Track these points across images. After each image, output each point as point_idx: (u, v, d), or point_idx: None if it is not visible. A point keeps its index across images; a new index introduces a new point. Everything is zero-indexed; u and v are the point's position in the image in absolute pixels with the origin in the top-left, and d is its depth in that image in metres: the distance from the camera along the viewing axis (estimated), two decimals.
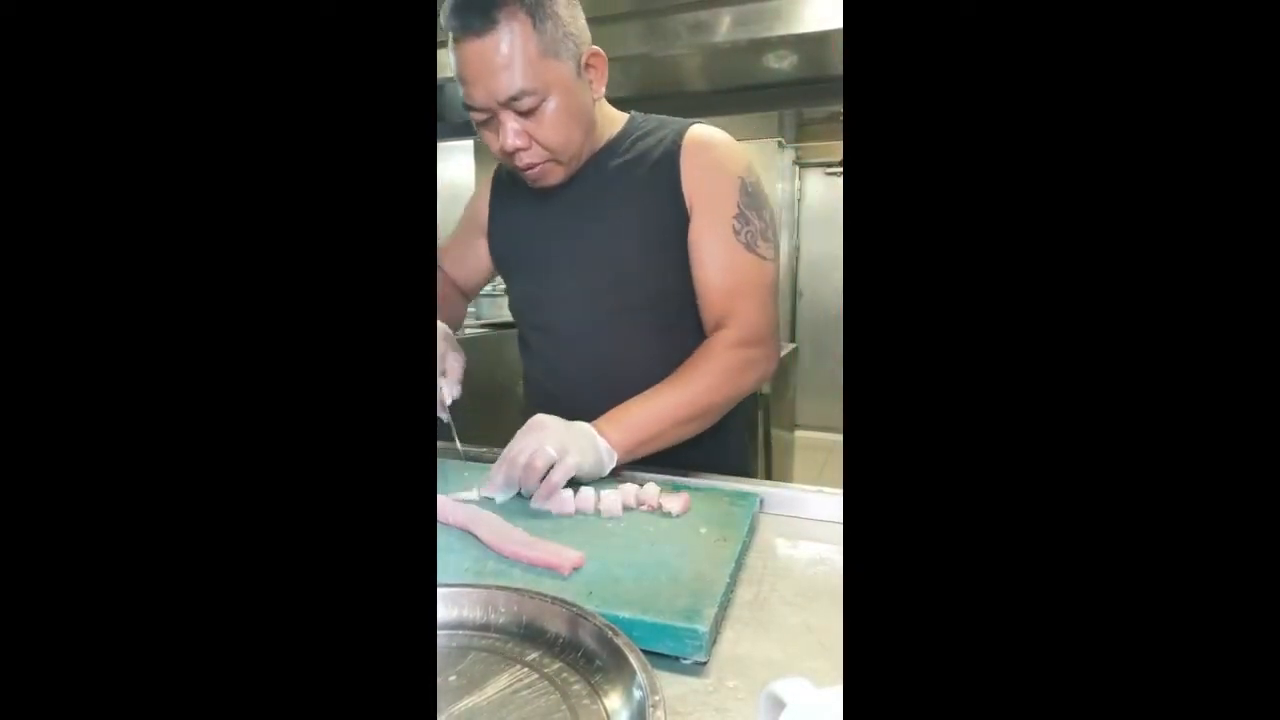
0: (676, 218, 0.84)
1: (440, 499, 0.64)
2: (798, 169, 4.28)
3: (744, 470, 0.93)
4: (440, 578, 0.51)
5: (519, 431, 0.71)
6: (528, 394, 1.00)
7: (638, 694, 0.37)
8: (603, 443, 0.72)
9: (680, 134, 0.86)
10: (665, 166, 0.84)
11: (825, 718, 0.31)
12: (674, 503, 0.65)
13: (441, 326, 0.87)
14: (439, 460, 0.81)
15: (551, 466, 0.67)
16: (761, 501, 0.70)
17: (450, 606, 0.47)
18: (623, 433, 0.74)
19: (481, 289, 1.09)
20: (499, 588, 0.48)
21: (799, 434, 3.17)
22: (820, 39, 2.11)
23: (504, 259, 0.98)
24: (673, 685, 0.43)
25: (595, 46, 0.81)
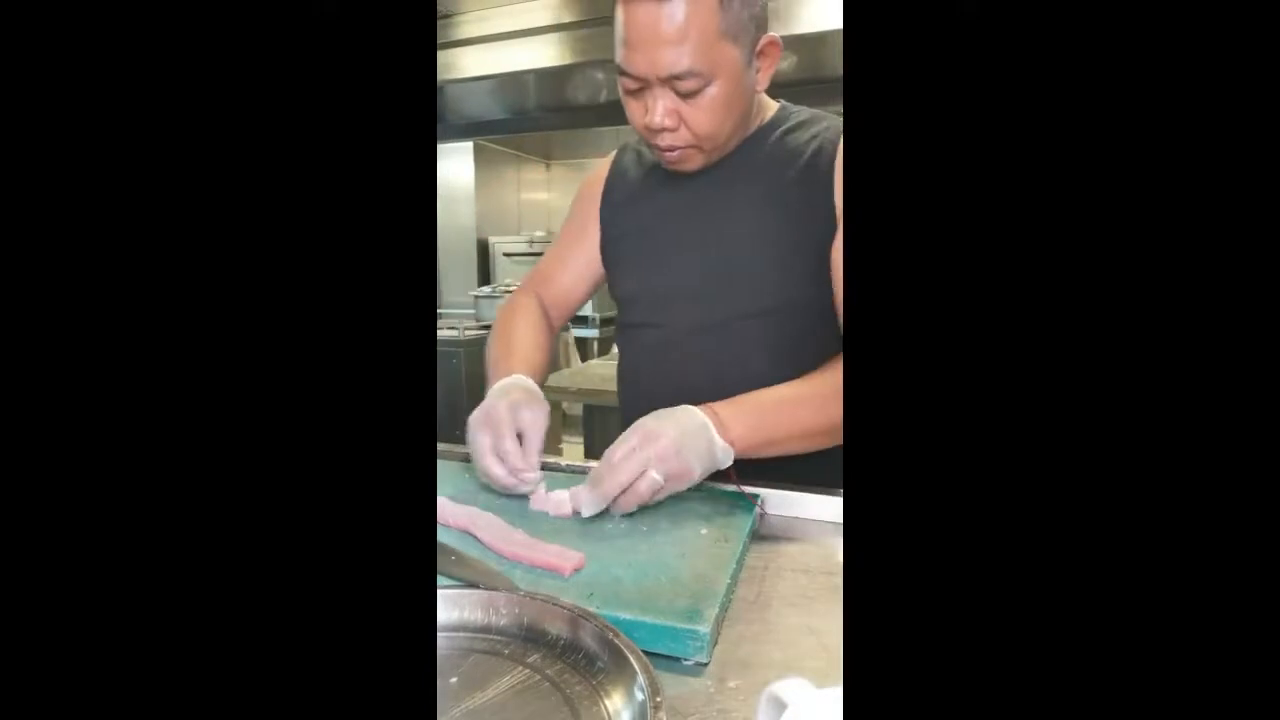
0: (821, 226, 0.76)
1: (440, 500, 0.64)
2: None
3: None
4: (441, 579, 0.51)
5: (624, 435, 0.63)
6: (624, 395, 0.91)
7: (639, 695, 0.37)
8: (720, 442, 0.64)
9: (836, 136, 0.79)
10: (818, 170, 0.77)
11: (826, 718, 0.31)
12: (526, 480, 0.66)
13: (521, 381, 0.74)
14: (439, 461, 0.81)
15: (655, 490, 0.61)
16: (762, 502, 0.70)
17: (451, 608, 0.47)
18: (746, 430, 0.66)
19: (580, 306, 0.96)
20: (500, 589, 0.48)
21: None
22: (819, 39, 2.11)
23: (618, 244, 0.88)
24: (674, 686, 0.43)
25: (773, 34, 0.74)
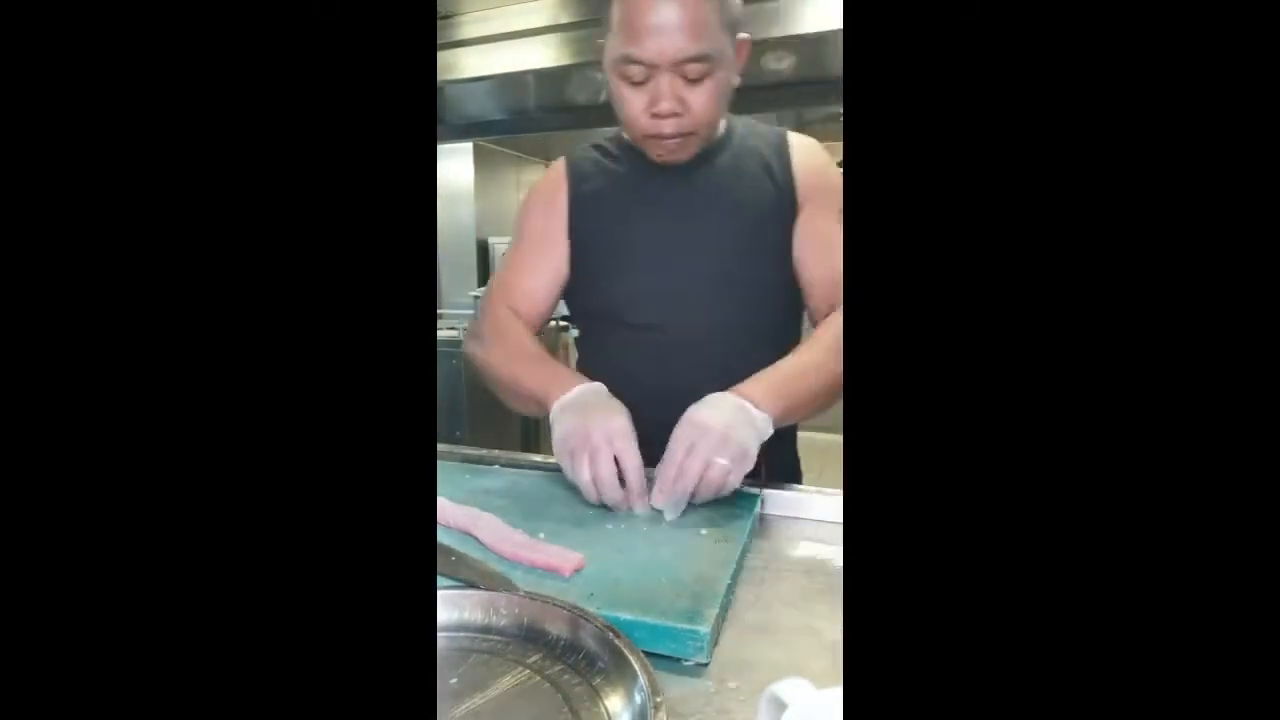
0: (786, 216, 0.84)
1: (440, 501, 0.64)
2: None
3: (796, 479, 0.91)
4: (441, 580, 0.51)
5: (677, 433, 0.65)
6: (630, 396, 0.91)
7: (639, 696, 0.37)
8: (759, 416, 0.67)
9: (781, 137, 0.87)
10: (777, 166, 0.85)
11: (826, 718, 0.31)
12: (640, 504, 0.65)
13: (598, 387, 0.73)
14: (439, 461, 0.81)
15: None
16: (762, 502, 0.70)
17: (451, 609, 0.47)
18: (777, 400, 0.69)
19: (548, 317, 0.94)
20: (500, 590, 0.48)
21: (799, 434, 3.17)
22: (818, 40, 2.11)
23: (604, 248, 0.88)
24: (674, 686, 0.43)
25: (745, 34, 0.80)
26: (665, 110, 0.74)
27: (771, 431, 0.68)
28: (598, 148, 0.93)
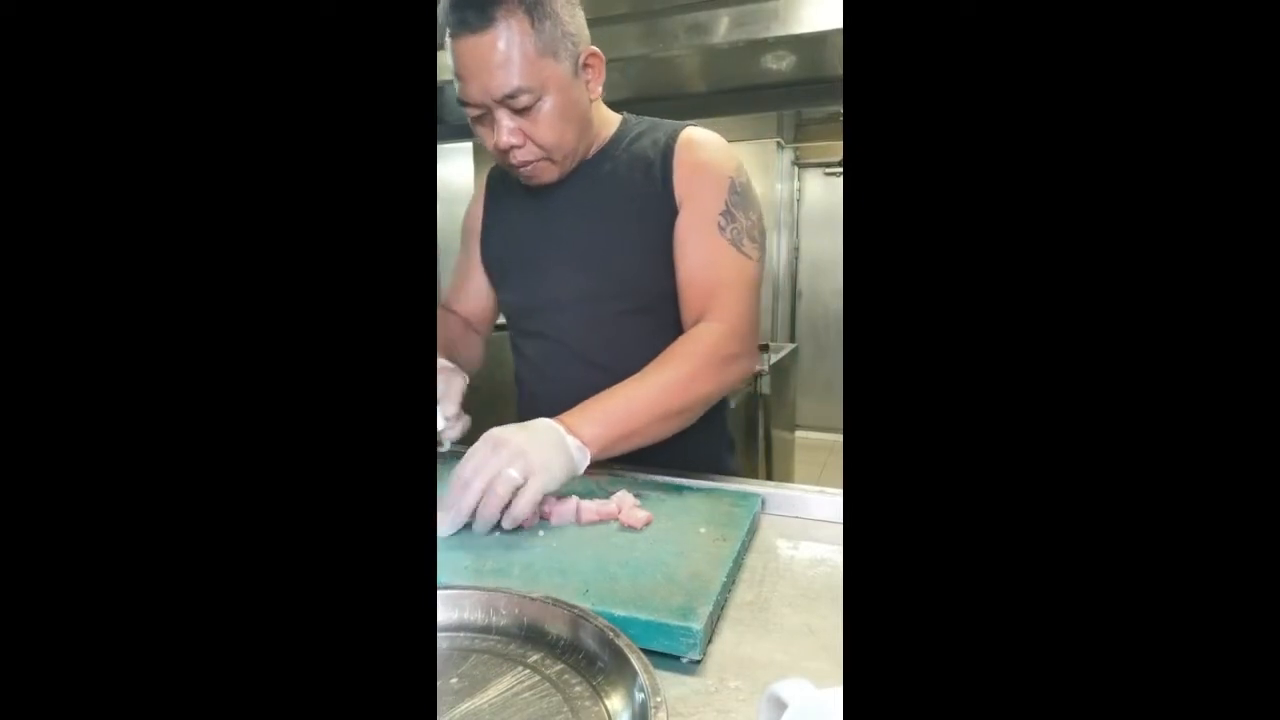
0: (671, 219, 0.83)
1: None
2: (797, 169, 4.28)
3: (725, 470, 0.90)
4: (440, 579, 0.51)
5: (472, 450, 0.63)
6: (521, 402, 0.98)
7: (639, 695, 0.37)
8: (572, 441, 0.65)
9: (673, 136, 0.86)
10: (659, 168, 0.84)
11: (826, 718, 0.31)
12: (635, 518, 0.62)
13: (441, 360, 0.83)
14: (439, 462, 0.81)
15: (516, 490, 0.60)
16: (763, 502, 0.70)
17: (451, 609, 0.47)
18: (596, 427, 0.67)
19: (496, 314, 1.03)
20: (500, 590, 0.48)
21: (799, 434, 3.17)
22: (819, 40, 2.11)
23: (498, 263, 0.96)
24: (674, 686, 0.43)
25: (593, 47, 0.80)
26: (504, 144, 0.77)
27: (588, 461, 0.66)
28: None
